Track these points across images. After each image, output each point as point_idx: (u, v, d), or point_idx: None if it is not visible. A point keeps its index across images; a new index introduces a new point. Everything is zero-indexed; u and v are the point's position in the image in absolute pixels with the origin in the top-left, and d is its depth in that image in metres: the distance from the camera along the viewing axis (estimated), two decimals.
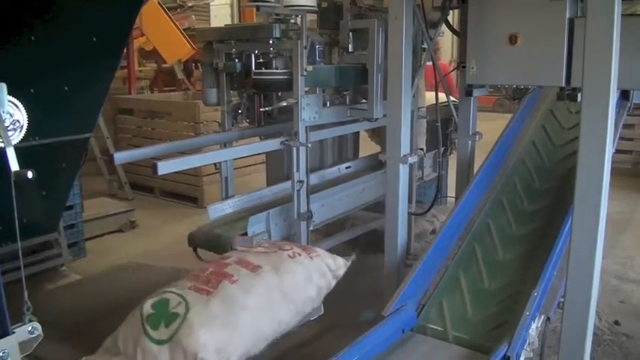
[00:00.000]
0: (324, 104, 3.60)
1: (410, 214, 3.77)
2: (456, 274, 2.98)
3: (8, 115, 1.44)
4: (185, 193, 6.40)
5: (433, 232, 4.73)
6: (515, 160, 3.66)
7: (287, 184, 3.67)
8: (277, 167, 4.20)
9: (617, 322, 3.54)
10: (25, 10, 1.98)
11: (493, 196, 3.42)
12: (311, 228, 3.61)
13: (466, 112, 3.75)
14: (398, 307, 2.68)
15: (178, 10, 10.03)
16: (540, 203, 3.35)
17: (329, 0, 3.75)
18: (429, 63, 3.93)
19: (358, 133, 4.67)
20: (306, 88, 3.39)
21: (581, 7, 2.80)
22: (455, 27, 3.94)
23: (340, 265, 2.49)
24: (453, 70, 4.57)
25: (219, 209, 3.59)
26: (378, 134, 4.69)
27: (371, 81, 3.58)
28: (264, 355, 2.36)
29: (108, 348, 2.07)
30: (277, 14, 3.39)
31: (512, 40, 2.88)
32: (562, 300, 2.39)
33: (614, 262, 4.42)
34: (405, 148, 3.14)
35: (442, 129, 3.92)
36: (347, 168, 4.51)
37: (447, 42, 11.81)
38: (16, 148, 1.40)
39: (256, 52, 3.46)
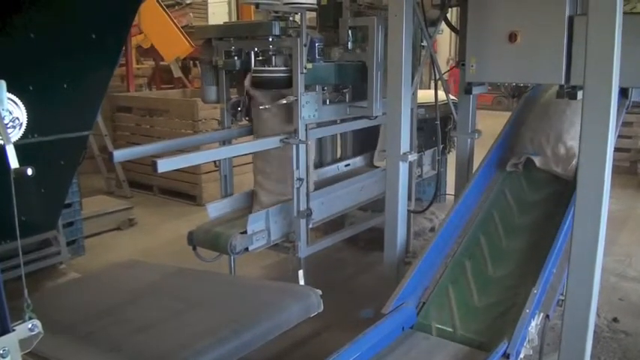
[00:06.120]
0: (324, 102, 3.59)
1: (409, 211, 3.77)
2: (462, 261, 3.02)
3: (7, 113, 1.43)
4: (184, 191, 6.38)
5: (432, 229, 4.74)
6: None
7: None
8: None
9: (615, 320, 3.55)
10: (25, 7, 1.98)
11: (496, 189, 3.45)
12: (310, 226, 3.61)
13: (465, 109, 3.75)
14: (398, 305, 2.68)
15: (176, 7, 10.01)
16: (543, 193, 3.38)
17: None
18: None
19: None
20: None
21: (581, 5, 2.81)
22: (454, 25, 3.94)
23: None
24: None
25: (219, 207, 3.58)
26: None
27: (370, 79, 3.57)
28: (265, 353, 2.35)
29: None
30: (277, 12, 3.38)
31: (512, 37, 2.88)
32: (562, 298, 2.40)
33: (612, 260, 4.43)
34: (404, 145, 3.14)
35: (441, 127, 3.91)
36: (346, 166, 4.50)
37: (446, 40, 11.82)
38: (16, 145, 1.40)
39: (256, 49, 3.45)
